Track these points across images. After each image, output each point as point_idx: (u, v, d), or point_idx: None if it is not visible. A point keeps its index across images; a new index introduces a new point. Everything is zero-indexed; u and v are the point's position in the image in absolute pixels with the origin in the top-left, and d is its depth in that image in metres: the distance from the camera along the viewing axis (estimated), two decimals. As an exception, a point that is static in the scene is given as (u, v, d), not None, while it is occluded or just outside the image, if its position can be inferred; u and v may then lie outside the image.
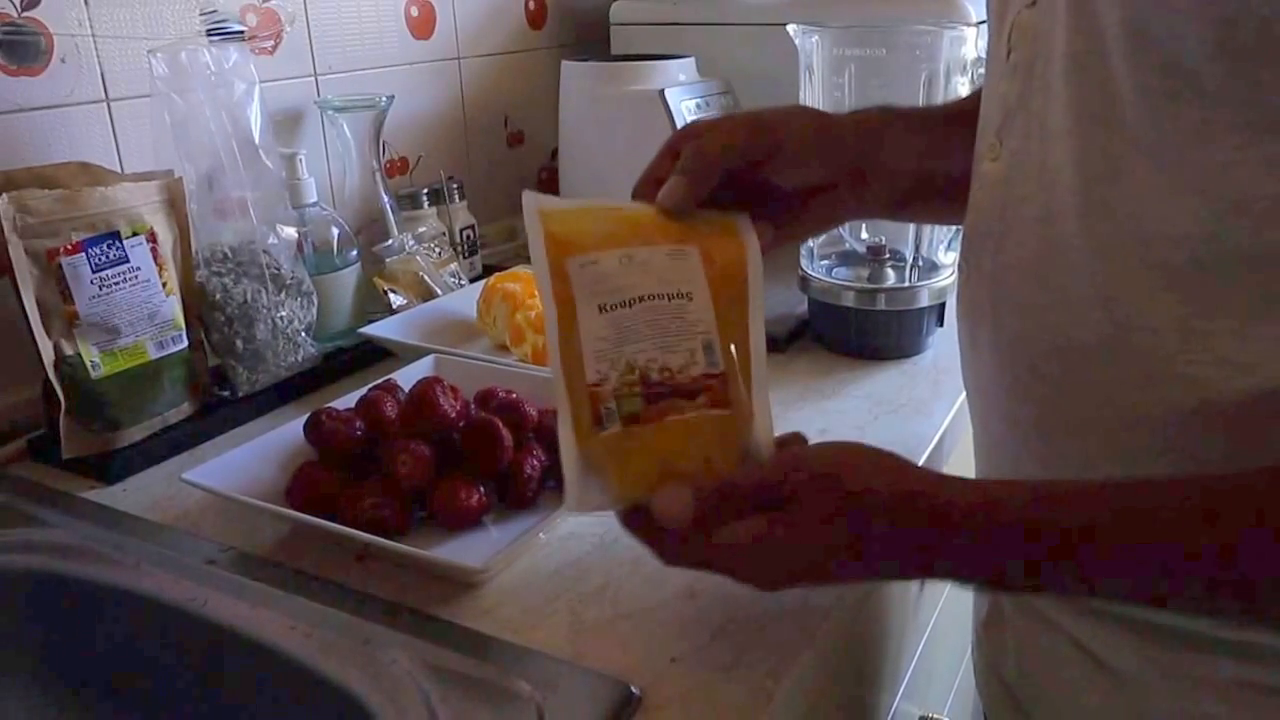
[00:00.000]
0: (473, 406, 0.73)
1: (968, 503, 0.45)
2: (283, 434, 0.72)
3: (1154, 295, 0.45)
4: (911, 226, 0.94)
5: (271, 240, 0.86)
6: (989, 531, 0.44)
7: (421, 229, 1.09)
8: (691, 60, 1.20)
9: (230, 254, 0.85)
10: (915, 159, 0.63)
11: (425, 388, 0.69)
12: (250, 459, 0.69)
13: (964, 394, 0.85)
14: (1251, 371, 0.42)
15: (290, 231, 0.89)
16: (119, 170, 0.86)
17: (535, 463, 0.68)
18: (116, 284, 0.76)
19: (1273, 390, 0.42)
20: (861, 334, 0.94)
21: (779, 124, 0.59)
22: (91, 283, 0.74)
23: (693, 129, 0.58)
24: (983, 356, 0.55)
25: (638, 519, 0.52)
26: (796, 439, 0.56)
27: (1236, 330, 0.43)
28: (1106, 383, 0.47)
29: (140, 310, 0.77)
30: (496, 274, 0.99)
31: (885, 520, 0.46)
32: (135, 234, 0.77)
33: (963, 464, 0.87)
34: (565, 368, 0.52)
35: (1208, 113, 0.41)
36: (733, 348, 0.53)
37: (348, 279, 0.97)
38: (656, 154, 0.58)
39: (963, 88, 0.90)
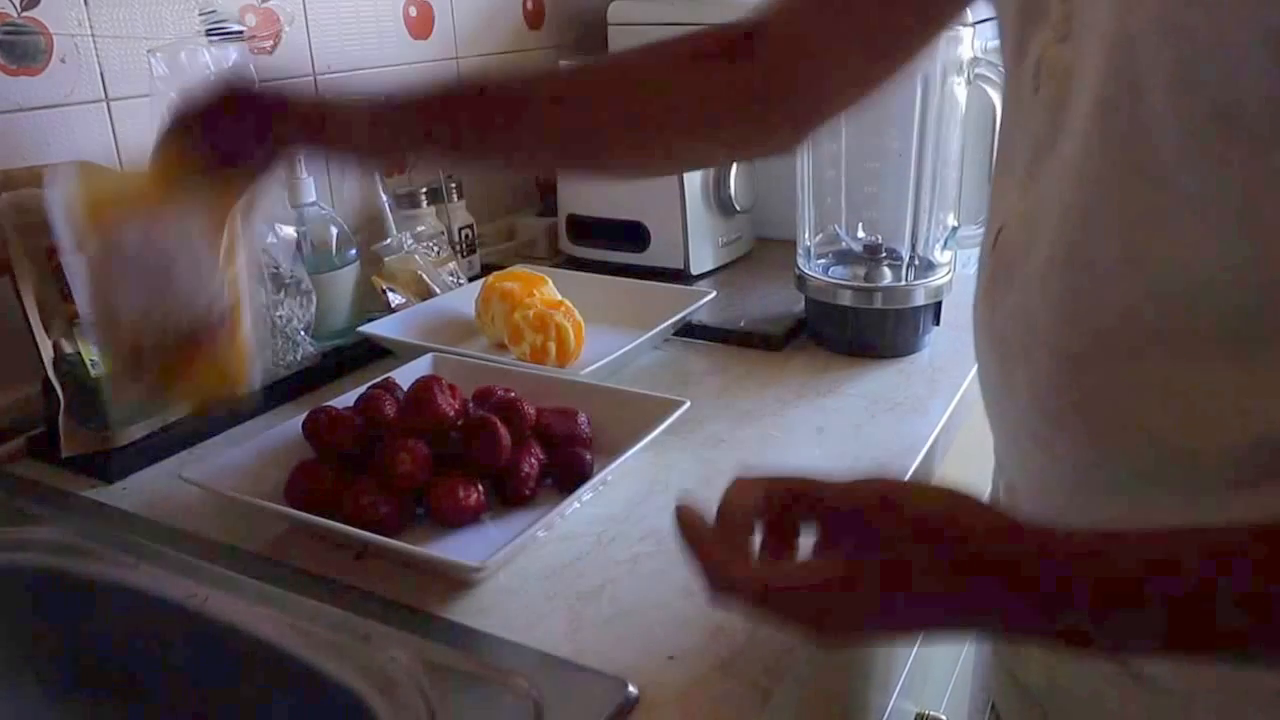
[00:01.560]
0: (471, 405, 0.73)
1: (1089, 553, 0.40)
2: (281, 432, 0.72)
3: (1200, 335, 0.44)
4: (909, 226, 0.94)
5: (270, 239, 0.86)
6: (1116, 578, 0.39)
7: (420, 228, 1.09)
8: (689, 60, 1.20)
9: (229, 253, 0.85)
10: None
11: (424, 386, 0.70)
12: (249, 457, 0.69)
13: (960, 393, 0.86)
14: None
15: (289, 230, 0.89)
16: (118, 169, 0.86)
17: (533, 461, 0.69)
18: (116, 283, 0.76)
19: None
20: (858, 333, 0.94)
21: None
22: (91, 282, 0.74)
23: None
24: (1018, 394, 0.54)
25: (695, 529, 0.45)
26: None
27: None
28: (1154, 422, 0.46)
29: (139, 309, 0.77)
30: (495, 273, 0.99)
31: (993, 567, 0.40)
32: (134, 233, 0.77)
33: (959, 463, 0.87)
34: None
35: (1255, 153, 0.40)
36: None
37: (346, 278, 0.97)
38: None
39: (959, 88, 0.90)
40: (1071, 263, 0.48)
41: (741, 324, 1.00)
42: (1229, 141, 0.41)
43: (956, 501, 0.43)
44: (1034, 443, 0.54)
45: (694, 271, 1.17)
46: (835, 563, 0.43)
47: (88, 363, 0.75)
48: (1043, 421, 0.52)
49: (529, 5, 1.37)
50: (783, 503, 0.45)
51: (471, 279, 1.13)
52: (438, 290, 1.05)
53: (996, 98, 0.86)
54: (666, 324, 0.94)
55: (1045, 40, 0.49)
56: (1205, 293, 0.43)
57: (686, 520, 0.45)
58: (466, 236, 1.18)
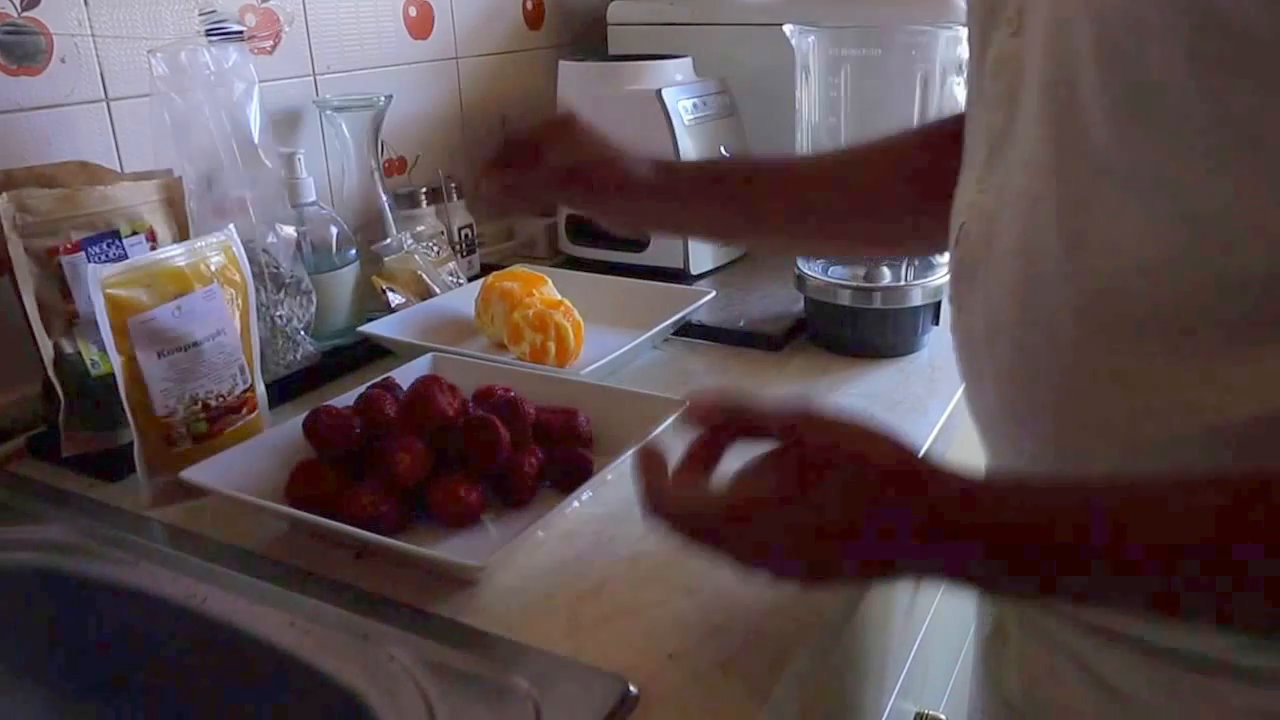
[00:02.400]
0: (471, 404, 0.73)
1: (992, 492, 0.43)
2: (282, 432, 0.72)
3: (1142, 325, 0.44)
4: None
5: (270, 239, 0.87)
6: (1015, 514, 0.42)
7: (420, 228, 1.09)
8: (688, 60, 1.20)
9: (229, 253, 0.85)
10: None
11: (424, 386, 0.70)
12: (249, 457, 0.69)
13: (960, 391, 0.86)
14: (1253, 395, 0.42)
15: (289, 230, 0.89)
16: (118, 169, 0.86)
17: (533, 460, 0.69)
18: (116, 283, 0.76)
19: (1275, 414, 0.41)
20: (857, 332, 0.94)
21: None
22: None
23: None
24: (986, 390, 0.55)
25: (648, 459, 0.50)
26: None
27: (1230, 355, 0.42)
28: (1108, 415, 0.47)
29: (139, 309, 0.77)
30: (494, 273, 0.99)
31: (901, 500, 0.43)
32: (135, 233, 0.78)
33: (957, 463, 0.87)
34: (134, 404, 0.69)
35: (1177, 132, 0.41)
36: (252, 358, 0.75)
37: (346, 278, 0.98)
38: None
39: (958, 88, 0.90)
40: (1025, 252, 0.49)
41: (741, 324, 1.00)
42: (1146, 115, 0.41)
43: (874, 439, 0.45)
44: (1007, 442, 0.55)
45: (693, 271, 1.17)
46: (747, 495, 0.46)
47: (88, 363, 0.75)
48: (1010, 419, 0.53)
49: (529, 5, 1.37)
50: (725, 424, 0.50)
51: (471, 279, 1.13)
52: (437, 290, 1.05)
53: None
54: (666, 324, 0.94)
55: (1001, 36, 0.51)
56: (1145, 281, 0.43)
57: (644, 452, 0.51)
58: (466, 236, 1.18)
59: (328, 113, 1.05)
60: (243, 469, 0.68)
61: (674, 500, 0.49)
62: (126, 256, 0.76)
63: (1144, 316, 0.44)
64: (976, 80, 0.55)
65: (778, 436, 0.47)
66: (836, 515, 0.43)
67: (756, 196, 0.74)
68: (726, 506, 0.47)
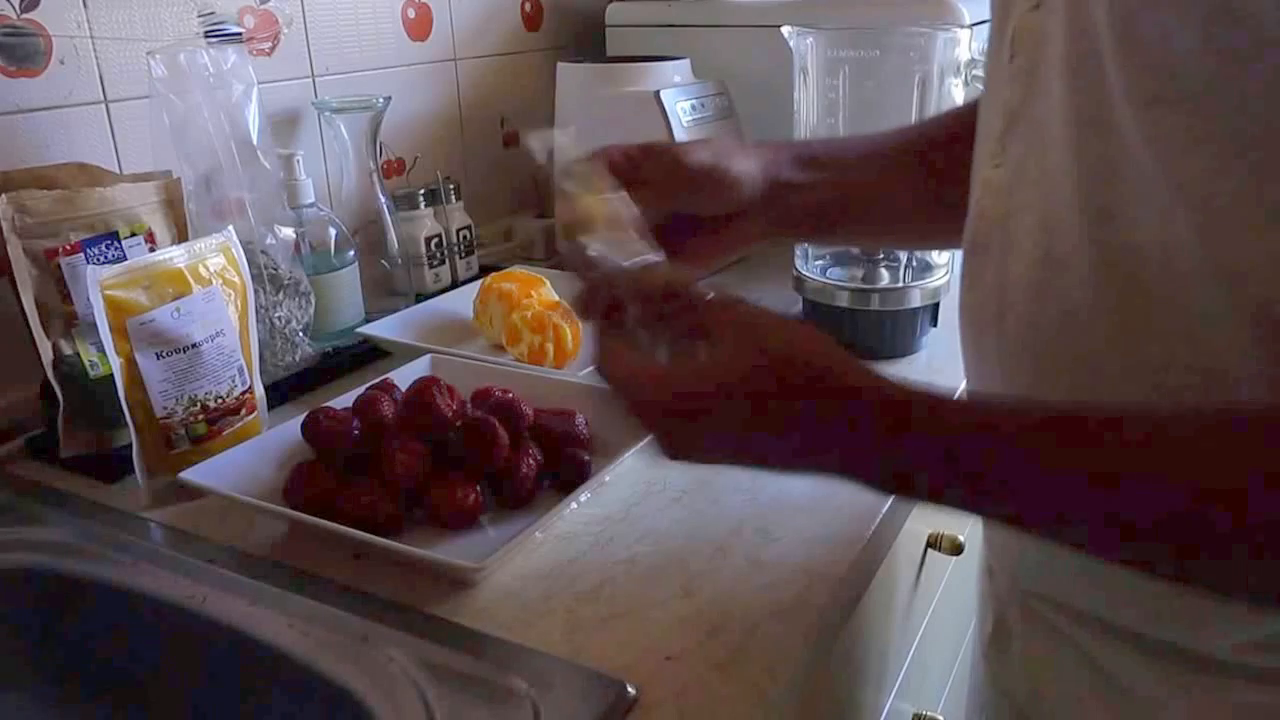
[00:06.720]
0: (469, 406, 0.73)
1: (903, 392, 0.45)
2: (280, 433, 0.72)
3: (1158, 306, 0.43)
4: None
5: (269, 240, 0.87)
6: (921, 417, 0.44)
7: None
8: (687, 62, 1.20)
9: (228, 254, 0.85)
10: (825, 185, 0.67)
11: (422, 387, 0.70)
12: (248, 458, 0.70)
13: (957, 394, 0.86)
14: (1261, 389, 0.41)
15: (288, 232, 0.89)
16: (117, 171, 0.86)
17: (531, 462, 0.69)
18: (115, 284, 0.76)
19: None
20: (856, 334, 0.94)
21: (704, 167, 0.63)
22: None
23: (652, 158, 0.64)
24: (989, 368, 0.54)
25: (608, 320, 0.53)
26: None
27: (1241, 343, 0.41)
28: (1119, 395, 0.46)
29: (138, 310, 0.77)
30: (493, 274, 0.99)
31: (803, 383, 0.45)
32: (134, 234, 0.78)
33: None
34: (132, 406, 0.69)
35: (1194, 118, 0.40)
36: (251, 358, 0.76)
37: (345, 279, 0.98)
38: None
39: (956, 89, 0.90)
40: (1044, 227, 0.48)
41: (739, 325, 1.00)
42: (1164, 98, 0.41)
43: (807, 335, 0.46)
44: None
45: (692, 272, 1.17)
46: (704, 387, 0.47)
47: (87, 364, 0.75)
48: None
49: (527, 7, 1.37)
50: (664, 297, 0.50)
51: (469, 280, 1.13)
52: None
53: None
54: (664, 325, 0.94)
55: (1021, 9, 0.50)
56: (1153, 256, 0.43)
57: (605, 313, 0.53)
58: (464, 238, 1.18)
59: (326, 114, 1.05)
60: (241, 470, 0.68)
61: (627, 371, 0.51)
62: (125, 258, 0.77)
63: (1162, 298, 0.43)
64: (994, 59, 0.54)
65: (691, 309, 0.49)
66: (754, 405, 0.45)
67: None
68: (674, 394, 0.48)
